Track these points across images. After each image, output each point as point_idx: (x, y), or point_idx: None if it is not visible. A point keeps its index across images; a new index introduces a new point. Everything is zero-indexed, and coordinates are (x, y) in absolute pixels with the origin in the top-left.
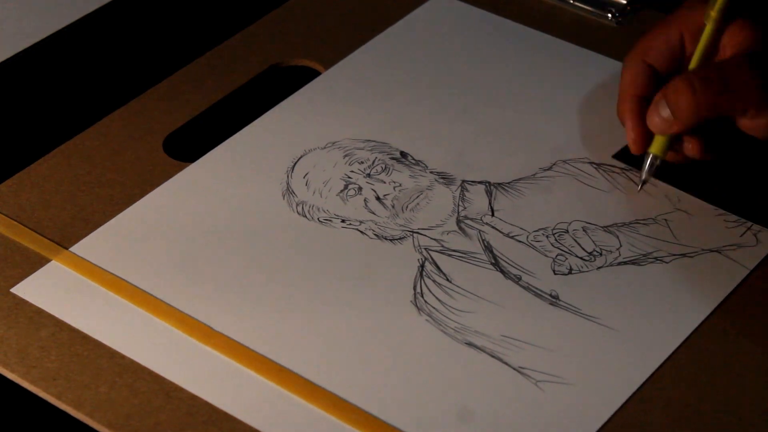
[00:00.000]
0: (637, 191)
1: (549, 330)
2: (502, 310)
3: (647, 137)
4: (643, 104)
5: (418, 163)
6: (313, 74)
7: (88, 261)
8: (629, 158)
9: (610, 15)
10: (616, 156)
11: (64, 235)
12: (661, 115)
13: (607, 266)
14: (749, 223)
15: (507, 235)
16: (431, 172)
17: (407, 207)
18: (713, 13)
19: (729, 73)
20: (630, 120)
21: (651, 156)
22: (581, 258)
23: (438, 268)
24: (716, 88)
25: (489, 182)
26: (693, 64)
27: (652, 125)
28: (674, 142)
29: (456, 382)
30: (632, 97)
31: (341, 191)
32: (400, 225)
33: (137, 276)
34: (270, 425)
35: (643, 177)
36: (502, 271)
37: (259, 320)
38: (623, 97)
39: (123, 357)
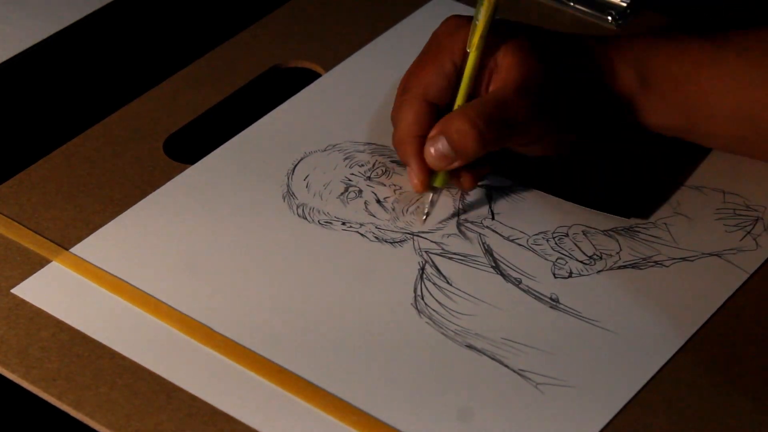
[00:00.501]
0: (422, 224)
1: (549, 333)
2: (502, 313)
3: (431, 176)
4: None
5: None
6: (313, 76)
7: (88, 262)
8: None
9: (610, 17)
10: None
11: (65, 236)
12: (440, 152)
13: (608, 270)
14: (749, 227)
15: (507, 239)
16: None
17: (407, 210)
18: (475, 41)
19: (510, 111)
20: (415, 163)
21: (434, 191)
22: (581, 261)
23: (438, 270)
24: (500, 128)
25: (489, 185)
26: (461, 94)
27: (431, 161)
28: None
29: (456, 384)
30: (415, 139)
31: (342, 194)
32: (401, 228)
33: (137, 277)
34: (270, 426)
35: (428, 210)
36: (503, 275)
37: (259, 321)
38: (405, 139)
39: (123, 357)
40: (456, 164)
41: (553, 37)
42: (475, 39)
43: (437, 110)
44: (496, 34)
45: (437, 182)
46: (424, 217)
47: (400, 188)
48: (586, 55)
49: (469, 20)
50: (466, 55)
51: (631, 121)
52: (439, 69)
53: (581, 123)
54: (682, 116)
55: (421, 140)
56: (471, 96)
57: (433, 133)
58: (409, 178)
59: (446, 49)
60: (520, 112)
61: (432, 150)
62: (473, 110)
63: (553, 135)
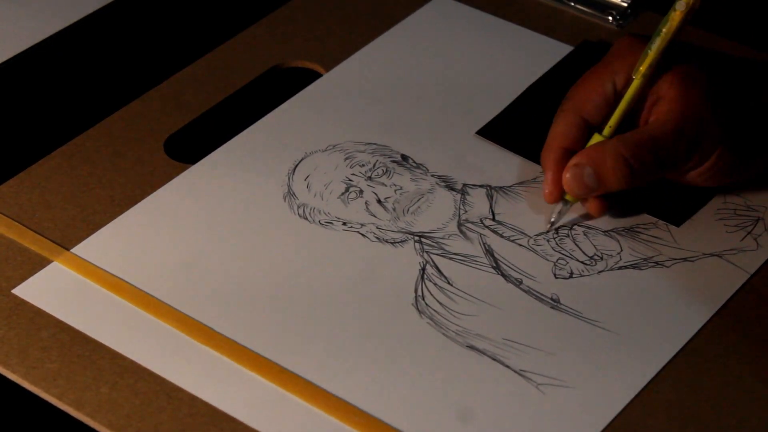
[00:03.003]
0: (547, 231)
1: (550, 333)
2: (503, 314)
3: (563, 190)
4: (568, 156)
5: (419, 166)
6: (314, 76)
7: (89, 262)
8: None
9: (610, 18)
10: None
11: (65, 236)
12: (584, 182)
13: (608, 270)
14: (750, 227)
15: (508, 239)
16: (432, 176)
17: (408, 210)
18: (643, 69)
19: (663, 152)
20: (552, 172)
21: (564, 204)
22: (582, 262)
23: (439, 271)
24: (651, 168)
25: (490, 186)
26: (615, 118)
27: (570, 186)
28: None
29: (457, 385)
30: (559, 149)
31: (342, 194)
32: (401, 228)
33: (138, 277)
34: (271, 426)
35: (554, 220)
36: (503, 275)
37: (259, 322)
38: (550, 146)
39: (124, 358)
40: (597, 193)
41: (724, 67)
42: (643, 68)
43: (589, 127)
44: (667, 59)
45: (569, 197)
46: (549, 225)
47: (401, 188)
48: (753, 86)
49: (644, 42)
50: (630, 79)
51: None
52: (599, 87)
53: (747, 159)
54: None
55: (565, 152)
56: (626, 120)
57: (580, 160)
58: (543, 186)
59: (612, 69)
60: (673, 153)
61: (575, 177)
62: (627, 149)
63: (710, 170)
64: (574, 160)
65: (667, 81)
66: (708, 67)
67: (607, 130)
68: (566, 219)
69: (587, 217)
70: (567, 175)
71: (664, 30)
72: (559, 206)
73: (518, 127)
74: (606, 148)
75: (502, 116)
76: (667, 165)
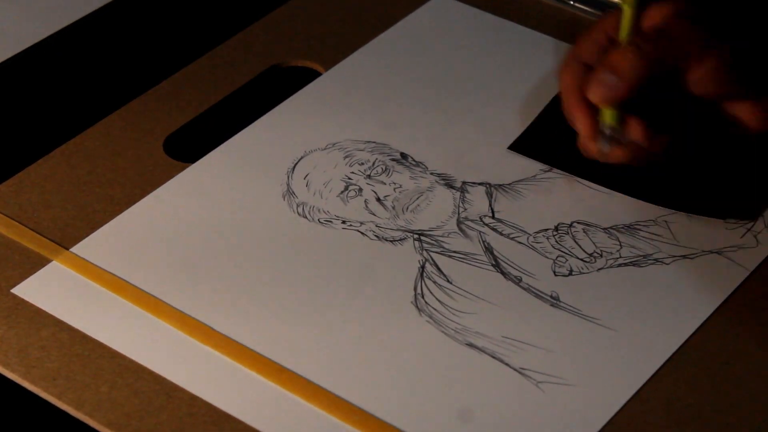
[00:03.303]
0: (606, 152)
1: (550, 331)
2: (502, 312)
3: (596, 121)
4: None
5: (418, 164)
6: (313, 75)
7: (88, 261)
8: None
9: None
10: (512, 147)
11: (65, 235)
12: (604, 81)
13: (608, 268)
14: (749, 224)
15: (507, 237)
16: (431, 174)
17: (408, 208)
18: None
19: (668, 27)
20: (580, 112)
21: (608, 129)
22: (581, 259)
23: (438, 269)
24: (659, 41)
25: (489, 183)
26: (622, 37)
27: (594, 94)
28: (618, 135)
29: (457, 383)
30: (576, 92)
31: (342, 192)
32: (401, 226)
33: (138, 276)
34: (270, 425)
35: (605, 149)
36: (503, 273)
37: (259, 321)
38: (568, 96)
39: (123, 357)
40: (620, 91)
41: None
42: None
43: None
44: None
45: (606, 117)
46: (606, 148)
47: (400, 186)
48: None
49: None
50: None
51: None
52: (592, 39)
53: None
54: None
55: (582, 94)
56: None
57: (596, 68)
58: (580, 141)
59: (602, 23)
60: (679, 23)
61: (595, 82)
62: (629, 36)
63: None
64: (592, 75)
65: (655, 6)
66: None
67: None
68: (566, 218)
69: (590, 212)
70: (592, 84)
71: None
72: (607, 132)
73: (550, 139)
74: (610, 50)
75: (532, 129)
76: (675, 40)
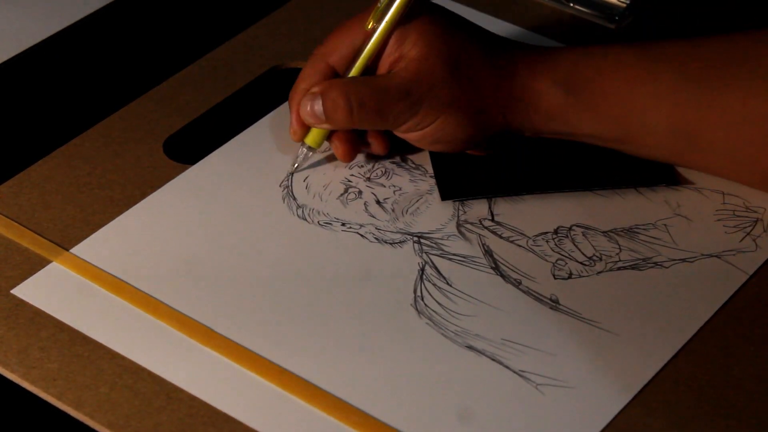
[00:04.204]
0: (288, 175)
1: (549, 334)
2: (502, 314)
3: (307, 129)
4: None
5: (418, 167)
6: None
7: (88, 262)
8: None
9: (609, 18)
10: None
11: (65, 236)
12: (314, 110)
13: (607, 271)
14: (749, 228)
15: (507, 240)
16: (431, 177)
17: (407, 211)
18: (370, 23)
19: (384, 102)
20: (294, 113)
21: (304, 147)
22: (581, 263)
23: (438, 271)
24: (370, 112)
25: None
26: (355, 69)
27: (303, 114)
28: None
29: (456, 385)
30: (303, 91)
31: (341, 195)
32: (400, 229)
33: (137, 277)
34: (270, 427)
35: (297, 164)
36: (502, 276)
37: (259, 322)
38: (296, 87)
39: (123, 358)
40: (325, 126)
41: (478, 36)
42: (370, 21)
43: (336, 75)
44: (416, 18)
45: (309, 140)
46: (293, 168)
47: (400, 189)
48: (502, 62)
49: None
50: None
51: (553, 129)
52: (348, 39)
53: (474, 127)
54: (618, 128)
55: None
56: (368, 71)
57: (314, 89)
58: (289, 126)
59: (363, 23)
60: (395, 107)
61: (308, 105)
62: (352, 88)
63: (435, 133)
64: (312, 89)
65: (411, 40)
66: (455, 33)
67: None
68: (565, 221)
69: (589, 216)
70: (304, 103)
71: None
72: (302, 150)
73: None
74: (336, 82)
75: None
76: (385, 115)
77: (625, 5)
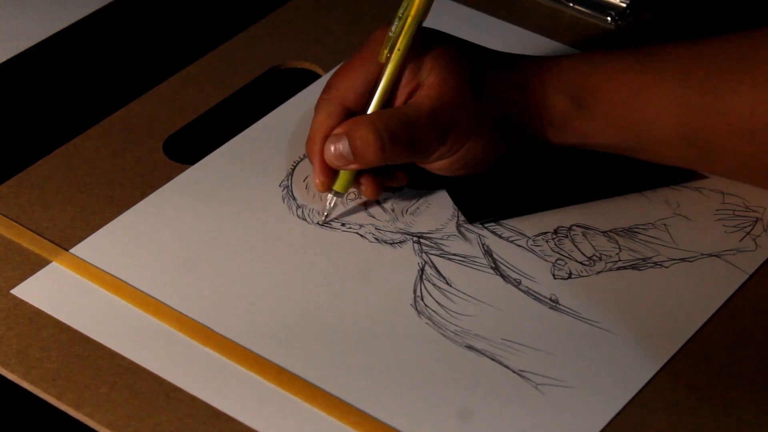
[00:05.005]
0: (320, 224)
1: (549, 334)
2: (502, 314)
3: (333, 177)
4: None
5: (343, 196)
6: (313, 76)
7: (88, 262)
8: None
9: (609, 18)
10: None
11: (65, 236)
12: (340, 151)
13: (607, 271)
14: (749, 228)
15: (507, 240)
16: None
17: (407, 211)
18: (385, 52)
19: (416, 131)
20: (318, 163)
21: (333, 193)
22: (581, 263)
23: (438, 271)
24: (404, 145)
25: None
26: (374, 104)
27: (329, 158)
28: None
29: (456, 385)
30: (322, 140)
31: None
32: (400, 229)
33: (137, 277)
34: (270, 427)
35: (325, 213)
36: (502, 275)
37: (259, 321)
38: (312, 138)
39: (123, 358)
40: (353, 167)
41: (488, 56)
42: (385, 51)
43: (352, 114)
44: (428, 46)
45: (337, 186)
46: (323, 218)
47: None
48: (516, 78)
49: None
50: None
51: (567, 142)
52: (359, 75)
53: (498, 146)
54: (629, 137)
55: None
56: (386, 105)
57: (338, 131)
58: (313, 177)
59: (371, 56)
60: (425, 134)
61: (332, 148)
62: (382, 123)
63: (464, 158)
64: (334, 131)
65: (427, 68)
66: (468, 55)
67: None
68: (565, 221)
69: (589, 216)
70: (329, 147)
71: (400, 13)
72: (330, 197)
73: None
74: (361, 119)
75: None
76: (418, 146)
77: (625, 5)
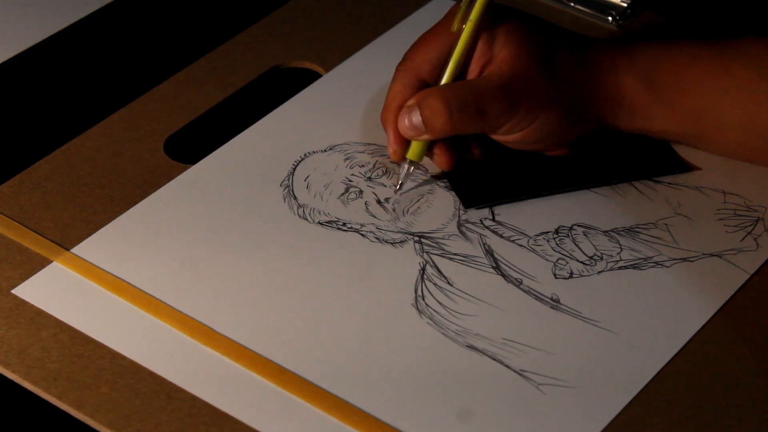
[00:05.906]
0: (396, 194)
1: (550, 333)
2: (503, 314)
3: (407, 146)
4: None
5: (419, 167)
6: (314, 76)
7: (89, 262)
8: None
9: (610, 18)
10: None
11: (65, 236)
12: (412, 122)
13: (608, 270)
14: (750, 228)
15: (508, 239)
16: (432, 177)
17: (408, 211)
18: (456, 23)
19: (485, 101)
20: (392, 132)
21: (408, 162)
22: (582, 262)
23: (439, 271)
24: (472, 114)
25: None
26: (447, 75)
27: (402, 129)
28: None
29: (457, 384)
30: (396, 109)
31: (342, 194)
32: (401, 228)
33: (138, 277)
34: (271, 426)
35: (401, 181)
36: (503, 275)
37: (259, 322)
38: (388, 107)
39: (124, 358)
40: (425, 137)
41: (561, 35)
42: (456, 22)
43: (427, 86)
44: (501, 21)
45: (411, 154)
46: (398, 186)
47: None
48: (589, 59)
49: None
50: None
51: (633, 126)
52: (436, 46)
53: (570, 125)
54: (692, 124)
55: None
56: (459, 77)
57: (410, 102)
58: (387, 146)
59: (447, 29)
60: (496, 107)
61: (405, 119)
62: (451, 92)
63: (535, 132)
64: (407, 103)
65: (500, 42)
66: (541, 33)
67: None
68: (566, 221)
69: (590, 215)
70: (402, 117)
71: None
72: (405, 166)
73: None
74: (432, 89)
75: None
76: (487, 117)
77: (625, 5)
